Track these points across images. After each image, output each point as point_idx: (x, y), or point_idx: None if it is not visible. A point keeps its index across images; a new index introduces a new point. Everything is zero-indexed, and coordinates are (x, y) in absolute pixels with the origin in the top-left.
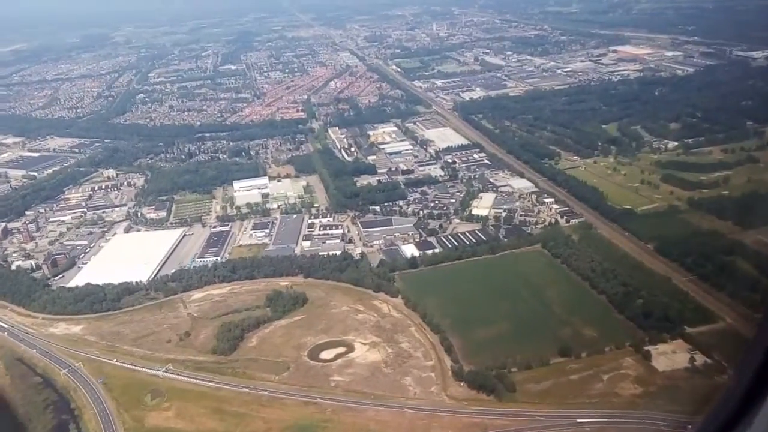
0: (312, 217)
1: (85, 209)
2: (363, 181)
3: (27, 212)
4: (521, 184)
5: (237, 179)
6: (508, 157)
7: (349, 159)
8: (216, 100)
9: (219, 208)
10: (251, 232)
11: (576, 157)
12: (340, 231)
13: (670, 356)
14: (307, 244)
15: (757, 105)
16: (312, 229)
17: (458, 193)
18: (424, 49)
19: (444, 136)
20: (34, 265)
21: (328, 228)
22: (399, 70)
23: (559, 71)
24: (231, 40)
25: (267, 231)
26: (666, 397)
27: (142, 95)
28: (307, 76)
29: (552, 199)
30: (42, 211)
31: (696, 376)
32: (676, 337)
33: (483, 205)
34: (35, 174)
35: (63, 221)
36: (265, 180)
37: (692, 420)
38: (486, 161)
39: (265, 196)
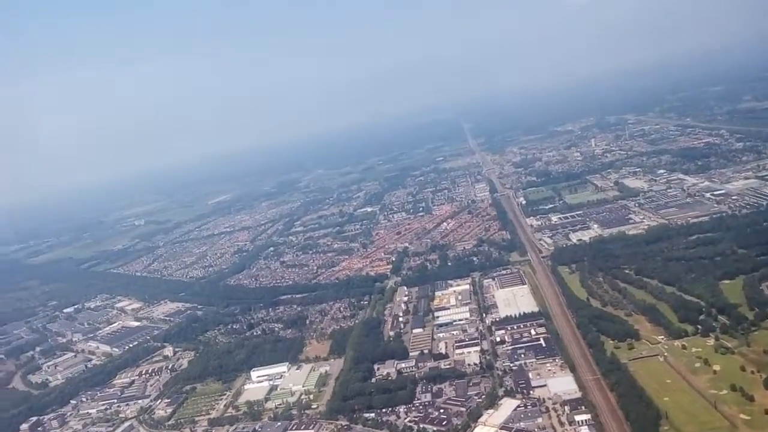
0: (297, 426)
1: (116, 401)
2: (385, 369)
3: (72, 401)
4: (562, 387)
5: (259, 366)
6: (574, 334)
7: (391, 333)
8: (326, 252)
9: (223, 406)
10: None
11: (661, 338)
12: None
13: None
14: None
15: None
16: None
17: (476, 397)
18: (566, 173)
19: (512, 300)
20: None
21: None
22: (524, 202)
23: (708, 195)
24: (390, 177)
25: None
26: None
27: (272, 249)
28: (427, 216)
29: (587, 417)
30: (84, 400)
31: None
32: None
33: (492, 422)
34: (116, 350)
35: (89, 414)
36: (283, 368)
37: None
38: (541, 342)
39: (273, 389)
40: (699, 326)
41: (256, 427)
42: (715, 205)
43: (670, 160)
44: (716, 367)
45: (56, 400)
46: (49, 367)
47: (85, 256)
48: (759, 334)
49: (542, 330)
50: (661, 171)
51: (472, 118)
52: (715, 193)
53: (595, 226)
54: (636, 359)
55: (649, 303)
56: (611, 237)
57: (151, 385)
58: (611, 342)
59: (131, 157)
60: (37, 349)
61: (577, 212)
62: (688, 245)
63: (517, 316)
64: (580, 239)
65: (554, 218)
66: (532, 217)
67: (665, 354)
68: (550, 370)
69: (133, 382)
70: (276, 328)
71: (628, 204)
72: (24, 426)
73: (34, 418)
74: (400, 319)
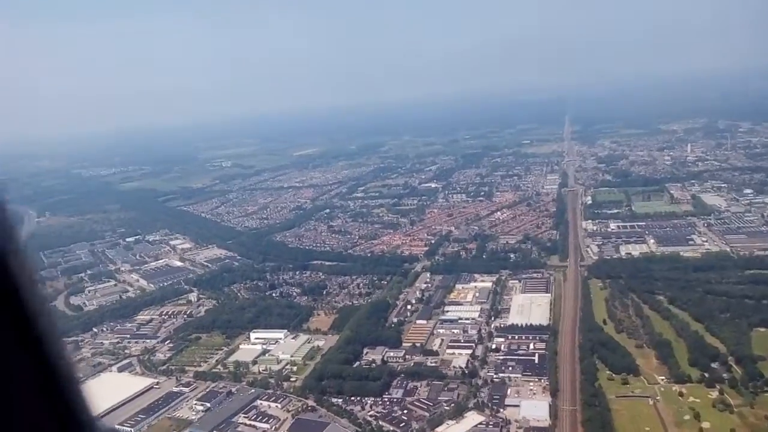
0: (268, 398)
1: (129, 336)
2: (373, 355)
3: (94, 329)
4: (534, 411)
5: (261, 328)
6: (572, 356)
7: (395, 320)
8: (374, 224)
9: (214, 361)
10: (195, 402)
11: (662, 378)
12: (263, 429)
13: None
14: None
15: None
16: (247, 415)
17: (446, 404)
18: (646, 177)
19: (527, 308)
20: None
21: (258, 419)
22: (590, 202)
23: None
24: (468, 154)
25: (209, 405)
26: None
27: (327, 211)
28: (485, 202)
29: None
30: (104, 330)
31: None
32: None
33: None
34: (151, 286)
35: (102, 345)
36: (280, 334)
37: None
38: (535, 358)
39: (263, 354)
40: (707, 374)
41: (233, 389)
42: None
43: (763, 180)
44: (705, 425)
45: (81, 325)
46: (89, 292)
47: (167, 189)
48: None
49: (542, 346)
50: (748, 191)
51: (582, 101)
52: None
53: (651, 241)
54: (623, 397)
55: (666, 338)
56: (662, 256)
57: (165, 327)
58: (607, 372)
59: (255, 99)
60: (88, 272)
61: (639, 223)
62: (739, 280)
63: (524, 326)
64: (629, 253)
65: (612, 225)
66: (590, 221)
67: (657, 398)
68: (531, 389)
69: (151, 320)
70: (293, 293)
71: (697, 222)
72: None
73: None
74: (410, 306)
